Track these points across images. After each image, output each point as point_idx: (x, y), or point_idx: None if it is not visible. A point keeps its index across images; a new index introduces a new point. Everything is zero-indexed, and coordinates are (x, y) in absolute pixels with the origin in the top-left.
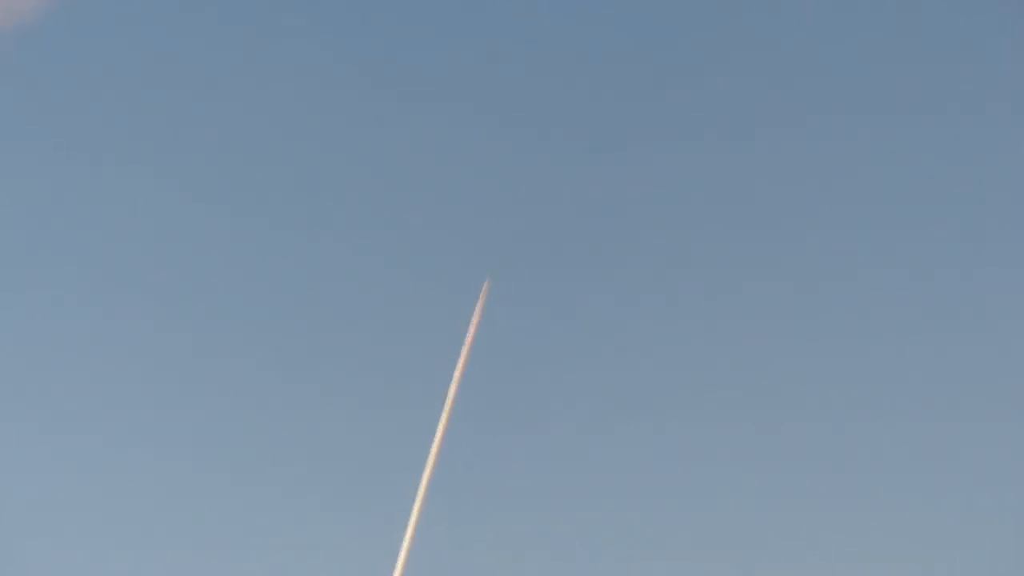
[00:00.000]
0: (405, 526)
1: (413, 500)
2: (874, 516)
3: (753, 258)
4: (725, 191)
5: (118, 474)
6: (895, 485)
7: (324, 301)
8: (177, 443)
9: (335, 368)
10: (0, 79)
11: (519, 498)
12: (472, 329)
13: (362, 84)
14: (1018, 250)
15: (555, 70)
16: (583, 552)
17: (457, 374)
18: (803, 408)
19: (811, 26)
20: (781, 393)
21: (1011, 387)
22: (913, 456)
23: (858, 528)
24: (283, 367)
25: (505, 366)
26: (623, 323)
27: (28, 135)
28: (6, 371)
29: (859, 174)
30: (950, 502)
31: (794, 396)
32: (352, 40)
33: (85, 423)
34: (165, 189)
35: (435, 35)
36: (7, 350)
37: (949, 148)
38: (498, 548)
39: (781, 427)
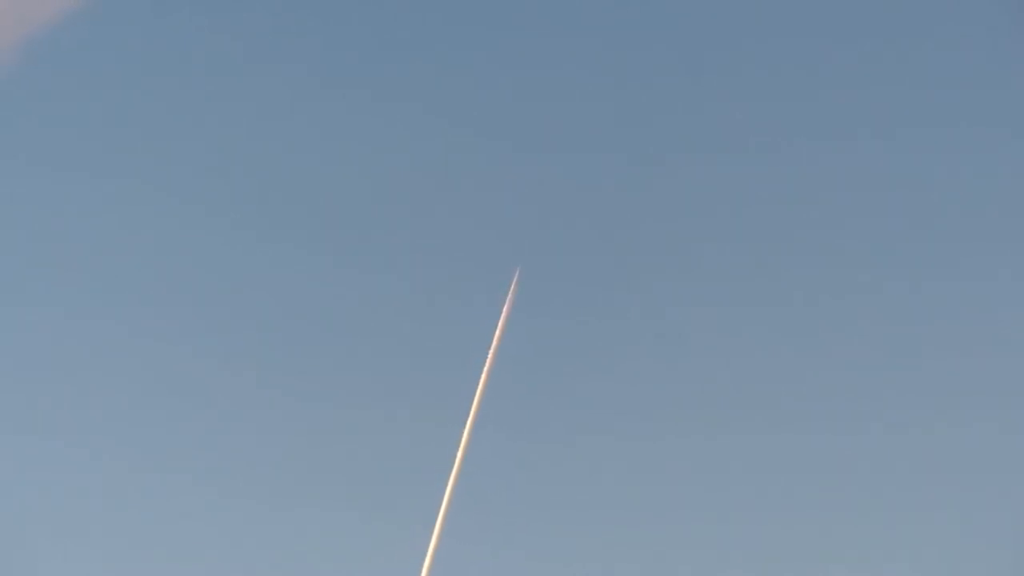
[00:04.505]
0: (431, 530)
1: (439, 504)
2: (876, 522)
3: (777, 269)
4: (753, 203)
5: (144, 487)
6: (903, 492)
7: (347, 306)
8: (205, 454)
9: (357, 373)
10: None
11: (543, 503)
12: (503, 318)
13: (395, 88)
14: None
15: (591, 83)
16: (606, 559)
17: (484, 374)
18: (841, 418)
19: (844, 44)
20: (811, 402)
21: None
22: (923, 463)
23: (868, 534)
24: (305, 370)
25: (531, 374)
26: (649, 331)
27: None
28: (8, 380)
29: (870, 186)
30: (953, 508)
31: (826, 406)
32: (388, 45)
33: (103, 434)
34: (184, 197)
35: (478, 42)
36: (8, 360)
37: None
38: (523, 553)
39: (813, 436)
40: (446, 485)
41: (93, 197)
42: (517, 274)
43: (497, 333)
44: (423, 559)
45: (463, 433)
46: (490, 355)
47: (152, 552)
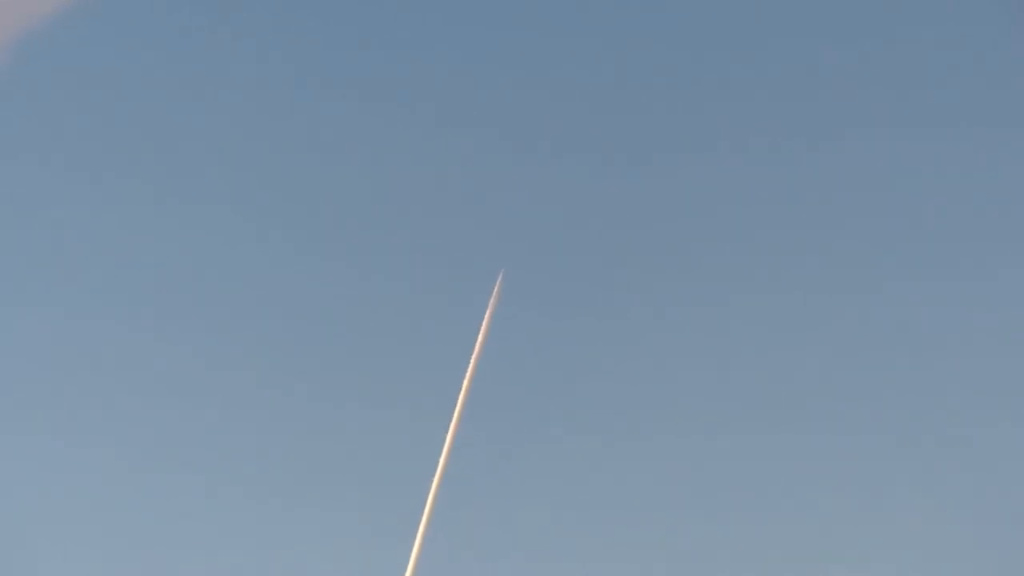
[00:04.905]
0: (416, 528)
1: (424, 501)
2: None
3: (767, 267)
4: (742, 201)
5: (129, 481)
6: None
7: (335, 303)
8: (186, 450)
9: (345, 370)
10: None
11: (528, 500)
12: (487, 319)
13: (382, 89)
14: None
15: (577, 80)
16: (595, 556)
17: (470, 370)
18: (828, 417)
19: (843, 39)
20: (800, 400)
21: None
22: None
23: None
24: (292, 368)
25: (516, 371)
26: (636, 329)
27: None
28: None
29: (870, 184)
30: (958, 506)
31: (816, 404)
32: (376, 46)
33: (98, 431)
34: (174, 195)
35: (464, 43)
36: (10, 358)
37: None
38: (508, 552)
39: (807, 435)
40: (432, 478)
41: (91, 197)
42: (501, 276)
43: (481, 334)
44: (408, 553)
45: (448, 432)
46: (474, 355)
47: (151, 552)
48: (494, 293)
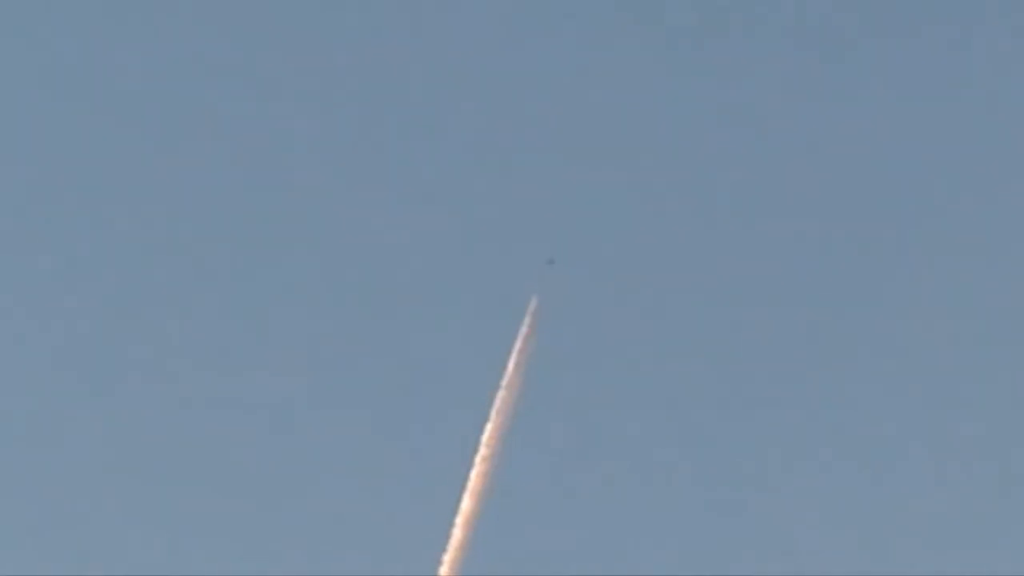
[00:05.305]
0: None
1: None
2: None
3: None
4: (767, 211)
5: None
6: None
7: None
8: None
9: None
10: None
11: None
12: (521, 344)
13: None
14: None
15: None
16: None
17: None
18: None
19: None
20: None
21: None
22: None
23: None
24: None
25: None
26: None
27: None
28: None
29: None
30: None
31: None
32: (380, 60)
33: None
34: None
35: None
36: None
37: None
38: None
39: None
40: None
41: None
42: (534, 302)
43: (515, 353)
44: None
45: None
46: (513, 358)
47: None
48: (528, 318)
